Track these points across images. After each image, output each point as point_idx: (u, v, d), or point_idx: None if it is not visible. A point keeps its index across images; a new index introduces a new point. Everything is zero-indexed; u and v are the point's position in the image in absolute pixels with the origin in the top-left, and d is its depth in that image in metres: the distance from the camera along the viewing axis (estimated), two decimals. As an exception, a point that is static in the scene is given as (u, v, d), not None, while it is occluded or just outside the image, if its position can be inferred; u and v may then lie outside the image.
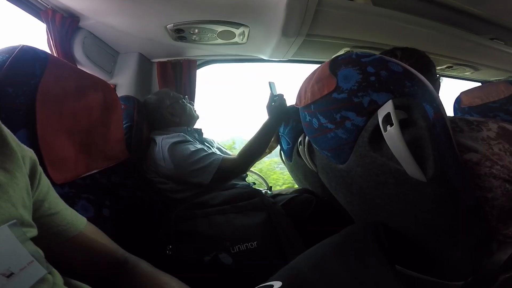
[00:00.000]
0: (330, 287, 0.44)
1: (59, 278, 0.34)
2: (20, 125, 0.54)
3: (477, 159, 0.48)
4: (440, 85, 0.76)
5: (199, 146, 1.01)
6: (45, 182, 0.40)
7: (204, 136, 1.22)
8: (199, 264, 0.66)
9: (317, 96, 0.56)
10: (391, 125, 0.45)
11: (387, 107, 0.46)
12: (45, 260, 0.32)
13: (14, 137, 0.36)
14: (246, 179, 1.19)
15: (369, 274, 0.46)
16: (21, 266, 0.27)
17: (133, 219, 0.77)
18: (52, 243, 0.40)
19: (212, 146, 1.19)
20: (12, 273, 0.26)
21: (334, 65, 0.53)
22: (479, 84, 1.88)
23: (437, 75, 0.74)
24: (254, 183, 1.23)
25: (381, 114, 0.47)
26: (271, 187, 1.38)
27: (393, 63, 0.48)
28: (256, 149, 1.02)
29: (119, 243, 0.52)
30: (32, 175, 0.37)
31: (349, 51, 1.26)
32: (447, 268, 0.57)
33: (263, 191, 1.16)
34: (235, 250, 0.69)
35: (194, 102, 1.35)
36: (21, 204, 0.31)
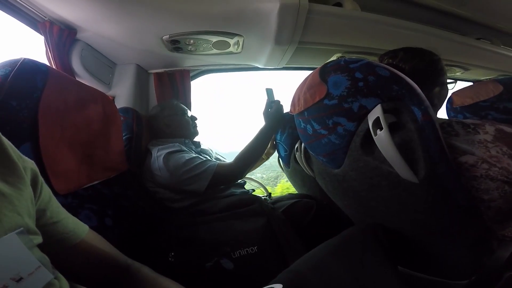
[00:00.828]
0: None
1: (65, 283, 0.35)
2: (25, 138, 0.55)
3: (473, 161, 0.48)
4: (445, 94, 0.73)
5: (194, 154, 1.01)
6: (46, 192, 0.41)
7: (202, 147, 1.23)
8: (201, 270, 0.67)
9: (310, 103, 0.57)
10: (381, 129, 0.46)
11: (376, 112, 0.47)
12: (51, 265, 0.33)
13: (15, 149, 0.37)
14: (245, 186, 1.20)
15: (369, 274, 0.47)
16: (29, 271, 0.28)
17: (134, 228, 0.78)
18: (56, 250, 0.41)
19: (211, 157, 1.20)
20: (21, 278, 0.27)
21: (324, 72, 0.54)
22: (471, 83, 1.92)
23: (443, 85, 0.71)
24: (254, 190, 1.24)
25: (371, 118, 0.48)
26: (270, 193, 1.39)
27: (380, 67, 0.49)
28: (252, 154, 1.02)
29: (122, 251, 0.52)
30: (34, 185, 0.38)
31: (341, 56, 1.29)
32: (449, 268, 0.57)
33: (262, 197, 1.17)
34: (236, 255, 0.70)
35: (190, 111, 1.36)
36: (27, 214, 0.33)
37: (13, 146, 0.37)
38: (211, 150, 1.27)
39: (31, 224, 0.33)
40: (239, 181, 1.17)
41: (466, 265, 0.54)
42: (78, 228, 0.45)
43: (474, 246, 0.51)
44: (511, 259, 0.48)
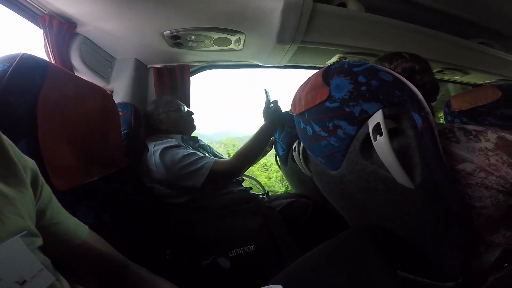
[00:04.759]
0: None
1: (66, 285, 0.35)
2: (23, 135, 0.55)
3: (471, 169, 0.49)
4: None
5: (191, 150, 1.01)
6: (47, 192, 0.41)
7: (200, 143, 1.23)
8: (198, 268, 0.68)
9: (311, 104, 0.57)
10: (381, 134, 0.46)
11: (377, 117, 0.47)
12: (52, 267, 0.33)
13: (15, 148, 0.36)
14: (243, 184, 1.21)
15: (367, 276, 0.48)
16: (32, 274, 0.29)
17: (132, 224, 0.78)
18: (58, 252, 0.41)
19: (209, 153, 1.20)
20: (25, 281, 0.27)
21: (327, 74, 0.54)
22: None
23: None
24: (251, 188, 1.24)
25: (371, 123, 0.48)
26: (268, 192, 1.39)
27: (384, 72, 0.49)
28: (250, 153, 1.02)
29: (119, 248, 0.52)
30: (34, 186, 0.38)
31: (342, 57, 1.29)
32: (438, 270, 0.59)
33: (260, 196, 1.18)
34: (233, 254, 0.70)
35: (189, 106, 1.36)
36: (28, 216, 0.33)
37: (13, 146, 0.36)
38: (208, 146, 1.27)
39: (32, 226, 0.33)
40: (237, 178, 1.17)
41: (455, 268, 0.56)
42: (79, 229, 0.45)
43: (464, 250, 0.53)
44: (496, 263, 0.50)
